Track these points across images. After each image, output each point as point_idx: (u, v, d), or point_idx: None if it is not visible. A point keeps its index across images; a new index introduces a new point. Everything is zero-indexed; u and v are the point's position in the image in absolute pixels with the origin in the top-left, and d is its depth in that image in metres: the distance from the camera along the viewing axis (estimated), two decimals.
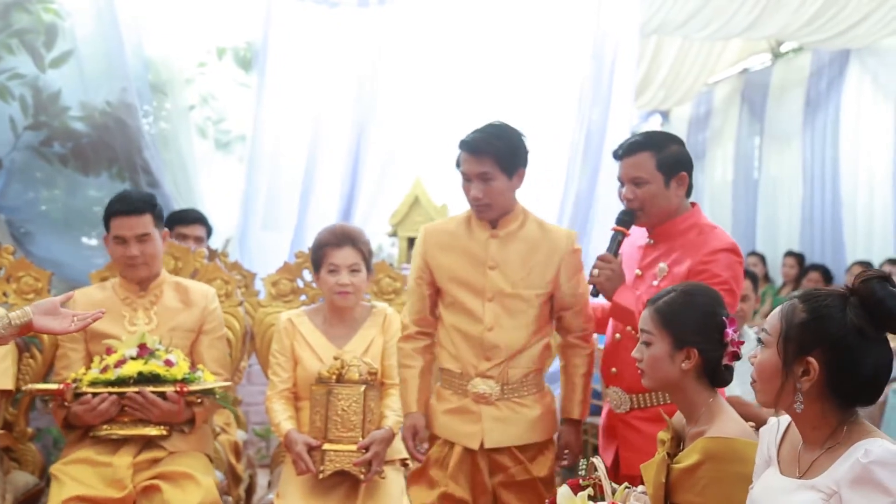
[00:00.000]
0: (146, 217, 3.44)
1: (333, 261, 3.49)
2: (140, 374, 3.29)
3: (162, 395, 3.27)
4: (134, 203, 3.49)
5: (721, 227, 3.04)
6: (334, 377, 3.34)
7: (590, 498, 2.45)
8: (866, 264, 7.36)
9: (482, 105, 4.99)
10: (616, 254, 2.99)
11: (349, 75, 4.97)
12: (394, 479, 3.46)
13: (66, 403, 3.39)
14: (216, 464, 3.61)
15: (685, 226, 2.97)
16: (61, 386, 3.37)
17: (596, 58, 4.77)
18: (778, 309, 2.01)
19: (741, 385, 3.70)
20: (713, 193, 10.39)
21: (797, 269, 8.24)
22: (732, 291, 2.88)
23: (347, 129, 5.01)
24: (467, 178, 3.10)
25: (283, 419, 3.44)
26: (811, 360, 1.91)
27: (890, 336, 1.95)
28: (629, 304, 2.90)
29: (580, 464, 2.54)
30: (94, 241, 4.91)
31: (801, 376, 1.93)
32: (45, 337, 3.90)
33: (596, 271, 2.97)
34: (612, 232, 3.01)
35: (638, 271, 3.02)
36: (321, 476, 3.29)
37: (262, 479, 4.58)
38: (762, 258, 8.67)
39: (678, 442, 2.47)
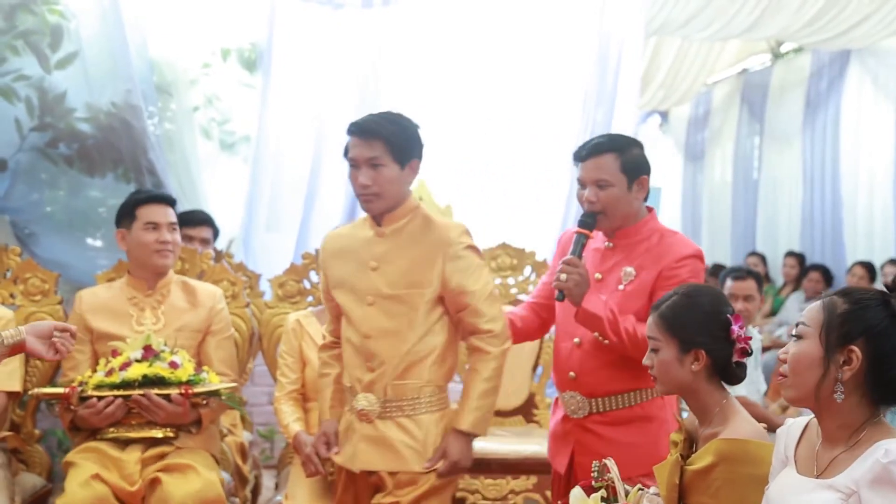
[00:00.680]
0: (173, 210, 3.57)
1: None
2: (145, 376, 3.28)
3: (167, 397, 3.27)
4: (164, 195, 3.66)
5: (681, 233, 3.06)
6: None
7: (602, 500, 2.45)
8: (867, 265, 7.38)
9: (486, 106, 5.01)
10: (580, 257, 2.88)
11: (353, 76, 4.97)
12: None
13: (71, 407, 3.40)
14: (223, 465, 3.61)
15: (646, 230, 2.94)
16: (67, 390, 3.37)
17: (600, 58, 4.78)
18: (816, 303, 2.03)
19: (746, 385, 3.73)
20: (712, 194, 10.42)
21: (798, 270, 8.27)
22: None
23: None
24: (355, 165, 2.88)
25: (292, 420, 3.45)
26: (854, 348, 1.93)
27: None
28: (598, 311, 2.82)
29: (593, 465, 2.54)
30: (98, 243, 4.90)
31: (842, 365, 1.94)
32: None
33: (563, 276, 2.83)
34: (576, 235, 2.90)
35: (598, 275, 2.94)
36: (331, 478, 3.29)
37: (267, 480, 4.59)
38: (763, 258, 8.69)
39: (691, 443, 2.48)
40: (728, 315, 2.38)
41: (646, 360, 2.47)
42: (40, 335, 2.49)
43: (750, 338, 2.43)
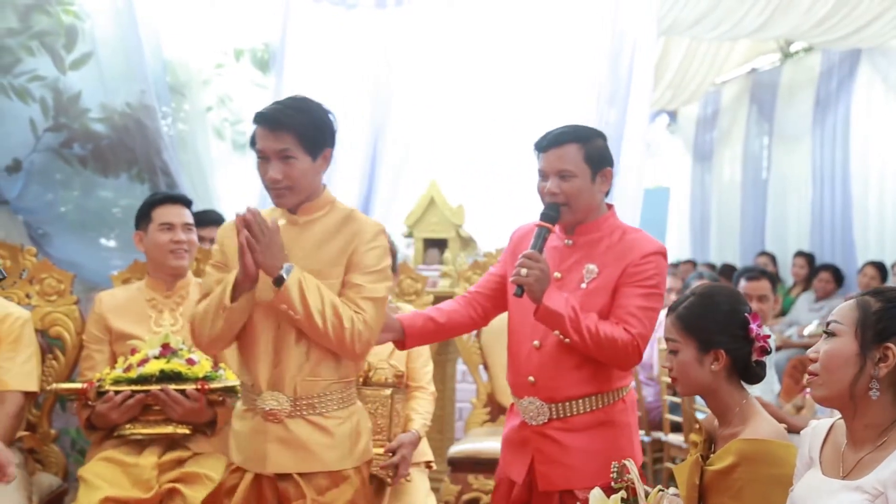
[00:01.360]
0: (188, 210, 3.60)
1: None
2: (162, 371, 3.31)
3: (183, 392, 3.29)
4: (178, 195, 3.73)
5: (643, 230, 2.96)
6: (361, 380, 3.35)
7: (622, 500, 2.45)
8: (878, 265, 7.37)
9: (498, 106, 5.00)
10: (541, 252, 2.75)
11: (365, 76, 4.97)
12: (419, 482, 3.48)
13: (89, 402, 3.43)
14: None
15: (607, 227, 2.85)
16: (85, 385, 3.41)
17: (613, 58, 4.77)
18: (849, 301, 2.06)
19: (760, 385, 3.72)
20: (721, 194, 10.41)
21: (807, 270, 8.26)
22: (661, 295, 2.85)
23: (364, 131, 5.02)
24: (264, 157, 2.68)
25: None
26: (890, 345, 1.94)
27: None
28: (559, 308, 2.69)
29: (612, 466, 2.55)
30: (112, 243, 4.91)
31: (878, 363, 1.95)
32: (68, 338, 3.93)
33: (524, 271, 2.68)
34: (537, 228, 2.77)
35: (558, 274, 2.83)
36: None
37: None
38: (773, 258, 8.68)
39: (710, 444, 2.48)
40: (746, 314, 2.38)
41: (665, 363, 2.47)
42: None
43: (769, 336, 2.44)
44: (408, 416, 3.46)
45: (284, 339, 2.67)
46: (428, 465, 3.61)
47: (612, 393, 2.86)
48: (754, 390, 3.69)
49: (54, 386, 3.61)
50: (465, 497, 4.03)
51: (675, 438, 5.33)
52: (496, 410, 4.26)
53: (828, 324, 2.06)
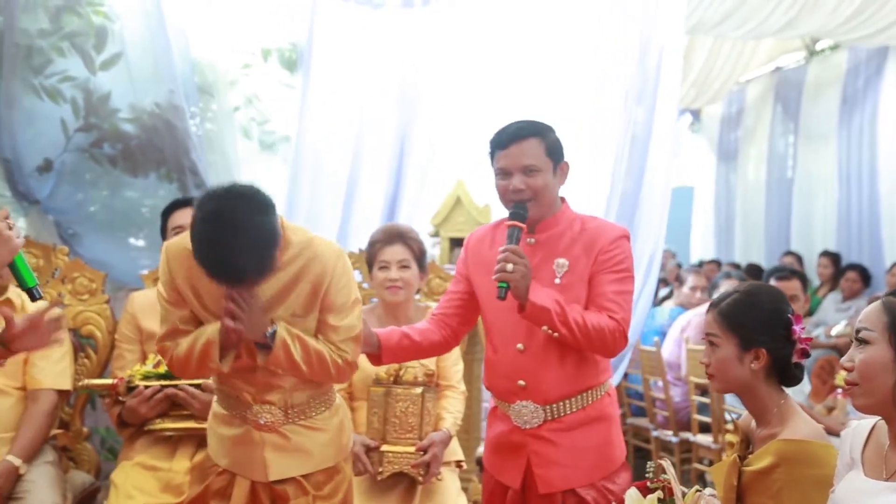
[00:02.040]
0: None
1: (383, 257, 3.55)
2: None
3: (199, 387, 3.38)
4: (188, 199, 3.78)
5: (599, 216, 2.95)
6: (392, 378, 3.36)
7: (659, 500, 2.44)
8: None
9: (525, 106, 4.97)
10: None
11: (393, 76, 4.96)
12: (450, 481, 3.48)
13: (119, 398, 3.49)
14: None
15: (565, 220, 2.83)
16: (115, 380, 3.47)
17: (641, 57, 4.74)
18: (874, 305, 2.03)
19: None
20: (746, 193, 10.35)
21: (832, 269, 8.20)
22: (633, 278, 2.84)
23: (391, 130, 5.01)
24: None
25: (347, 415, 3.47)
26: None
27: None
28: (546, 303, 2.67)
29: (648, 466, 2.53)
30: (140, 243, 4.94)
31: None
32: (100, 336, 3.96)
33: (510, 266, 2.63)
34: (509, 227, 2.72)
35: None
36: (380, 477, 3.31)
37: None
38: (798, 258, 8.63)
39: (747, 444, 2.47)
40: (789, 315, 2.37)
41: (703, 358, 2.46)
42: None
43: (810, 339, 2.42)
44: (438, 415, 3.46)
45: (268, 370, 2.66)
46: (458, 464, 3.61)
47: (600, 387, 2.86)
48: None
49: (85, 382, 3.66)
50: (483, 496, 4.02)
51: (704, 439, 5.32)
52: None
53: (858, 331, 2.03)
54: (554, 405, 2.80)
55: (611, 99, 4.85)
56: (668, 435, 5.67)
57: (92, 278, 4.03)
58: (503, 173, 2.78)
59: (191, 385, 3.37)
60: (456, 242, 5.23)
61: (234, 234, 2.36)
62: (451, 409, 3.49)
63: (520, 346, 2.80)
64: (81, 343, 3.97)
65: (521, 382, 2.80)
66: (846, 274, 7.72)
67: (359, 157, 5.00)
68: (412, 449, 3.31)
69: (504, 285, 2.65)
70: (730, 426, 4.85)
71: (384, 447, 3.32)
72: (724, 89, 9.88)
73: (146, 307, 3.64)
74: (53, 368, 3.61)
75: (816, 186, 9.11)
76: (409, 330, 2.97)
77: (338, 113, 4.93)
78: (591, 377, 2.83)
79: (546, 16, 4.90)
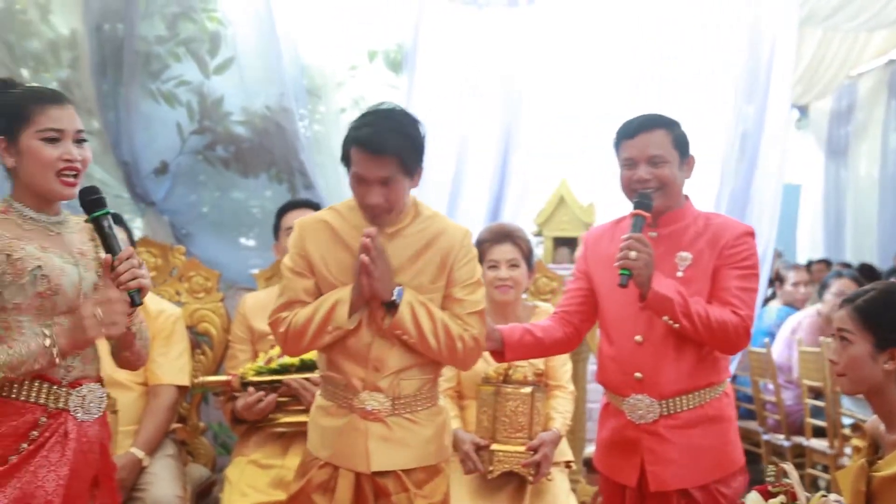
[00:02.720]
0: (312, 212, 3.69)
1: (492, 256, 3.54)
2: (302, 361, 3.47)
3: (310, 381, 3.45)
4: (303, 201, 3.95)
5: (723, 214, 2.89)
6: (501, 377, 3.36)
7: None
8: None
9: (632, 103, 4.91)
10: None
11: (497, 75, 4.97)
12: (560, 482, 3.47)
13: (234, 395, 3.58)
14: None
15: (690, 215, 2.80)
16: (229, 377, 3.56)
17: (752, 51, 4.64)
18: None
19: None
20: (857, 191, 10.02)
21: None
22: (758, 275, 2.79)
23: (495, 130, 5.02)
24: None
25: (450, 417, 3.48)
26: None
27: None
28: (669, 292, 2.63)
29: (768, 470, 2.48)
30: (251, 242, 5.06)
31: None
32: (215, 334, 4.07)
33: (633, 254, 2.59)
34: (633, 217, 2.68)
35: None
36: (490, 476, 3.31)
37: None
38: None
39: (875, 448, 2.39)
40: None
41: (832, 355, 2.39)
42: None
43: None
44: (548, 415, 3.45)
45: (384, 344, 2.66)
46: (568, 464, 3.59)
47: (718, 386, 2.80)
48: None
49: (201, 379, 3.77)
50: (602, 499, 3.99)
51: (819, 444, 5.17)
52: None
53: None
54: (670, 400, 2.75)
55: (719, 95, 4.76)
56: (780, 439, 5.53)
57: (207, 277, 4.15)
58: (629, 163, 2.76)
59: (306, 378, 3.44)
60: (560, 242, 5.22)
61: (390, 114, 2.65)
62: (561, 410, 3.47)
63: (638, 338, 2.77)
64: (198, 340, 4.09)
65: (638, 375, 2.76)
66: None
67: (463, 157, 5.02)
68: (522, 448, 3.30)
69: (626, 273, 2.62)
70: (847, 430, 4.72)
71: (494, 446, 3.32)
72: (833, 84, 9.56)
73: (257, 308, 3.73)
74: (172, 365, 3.73)
75: None
76: (531, 327, 2.97)
77: (442, 113, 4.95)
78: (710, 374, 2.78)
79: (653, 12, 4.83)
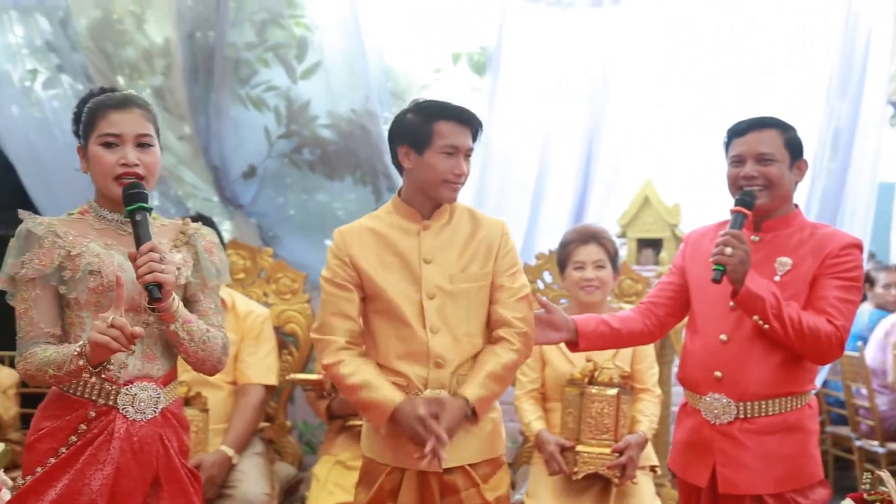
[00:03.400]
0: None
1: (578, 257, 3.54)
2: None
3: None
4: None
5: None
6: (586, 379, 3.35)
7: None
8: None
9: (718, 101, 4.84)
10: None
11: (581, 76, 4.94)
12: (645, 485, 3.43)
13: (325, 393, 3.63)
14: None
15: (796, 223, 2.73)
16: (321, 376, 3.60)
17: (846, 45, 4.50)
18: None
19: None
20: None
21: None
22: (860, 288, 2.69)
23: (579, 131, 4.98)
24: (457, 153, 2.66)
25: (534, 419, 3.49)
26: None
27: None
28: (762, 292, 2.57)
29: (864, 477, 2.41)
30: None
31: None
32: (301, 334, 4.14)
33: (729, 250, 2.54)
34: (734, 214, 2.63)
35: None
36: (575, 478, 3.30)
37: None
38: None
39: None
40: None
41: None
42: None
43: None
44: (634, 418, 3.43)
45: (445, 340, 2.67)
46: (653, 468, 3.55)
47: (802, 396, 2.73)
48: None
49: (292, 376, 3.82)
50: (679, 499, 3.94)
51: None
52: None
53: None
54: (749, 403, 2.69)
55: (811, 93, 4.65)
56: (874, 445, 5.37)
57: (294, 278, 4.22)
58: (736, 160, 2.73)
59: None
60: (644, 243, 5.15)
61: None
62: (647, 413, 3.44)
63: (723, 336, 2.72)
64: (285, 341, 4.17)
65: (718, 374, 2.71)
66: None
67: (546, 159, 5.01)
68: (608, 450, 3.28)
69: (720, 268, 2.58)
70: None
71: (579, 447, 3.31)
72: None
73: None
74: (261, 364, 3.80)
75: None
76: (608, 317, 2.95)
77: (525, 115, 4.95)
78: (795, 383, 2.71)
79: (740, 9, 4.74)
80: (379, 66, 4.80)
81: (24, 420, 4.37)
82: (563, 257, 3.62)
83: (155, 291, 2.19)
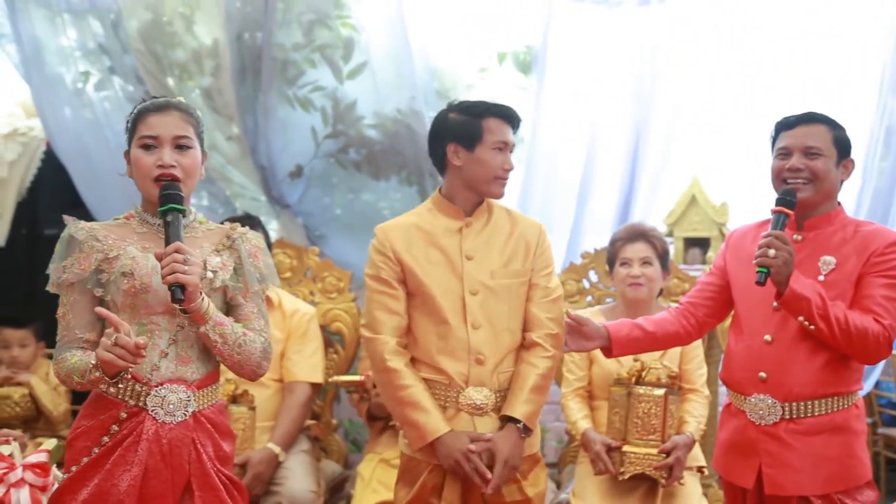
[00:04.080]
0: None
1: (626, 255, 3.55)
2: None
3: None
4: None
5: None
6: (633, 379, 3.33)
7: None
8: None
9: (767, 99, 4.78)
10: None
11: (627, 75, 4.90)
12: (692, 486, 3.41)
13: (366, 395, 3.64)
14: None
15: (839, 221, 2.71)
16: (363, 377, 3.62)
17: None
18: None
19: None
20: None
21: None
22: None
23: (625, 129, 4.95)
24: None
25: (580, 418, 3.48)
26: None
27: None
28: (807, 292, 2.55)
29: None
30: None
31: None
32: (347, 333, 4.16)
33: (772, 252, 2.53)
34: (774, 214, 2.62)
35: None
36: (621, 478, 3.29)
37: None
38: None
39: None
40: None
41: None
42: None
43: None
44: (681, 419, 3.41)
45: (486, 336, 2.73)
46: (700, 469, 3.52)
47: (849, 396, 2.70)
48: None
49: (335, 378, 3.86)
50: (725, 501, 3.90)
51: None
52: None
53: None
54: (794, 404, 2.67)
55: (861, 89, 4.57)
56: None
57: (340, 277, 4.25)
58: (783, 153, 2.72)
59: None
60: (691, 242, 5.10)
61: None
62: (695, 413, 3.42)
63: (767, 337, 2.71)
64: (331, 339, 4.20)
65: (762, 374, 2.70)
66: None
67: (592, 158, 4.98)
68: (655, 451, 3.26)
69: (764, 270, 2.56)
70: None
71: (626, 447, 3.30)
72: None
73: None
74: (307, 362, 3.83)
75: None
76: (642, 321, 2.95)
77: (571, 113, 4.93)
78: (842, 383, 2.69)
79: (789, 5, 4.67)
80: (425, 65, 4.81)
81: (73, 416, 4.46)
82: (611, 255, 3.64)
83: (177, 292, 2.22)
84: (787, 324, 2.67)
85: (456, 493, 2.72)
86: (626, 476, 3.28)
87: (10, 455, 2.51)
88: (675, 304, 3.67)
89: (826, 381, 2.67)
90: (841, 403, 2.68)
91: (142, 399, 2.30)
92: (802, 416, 2.67)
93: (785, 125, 2.76)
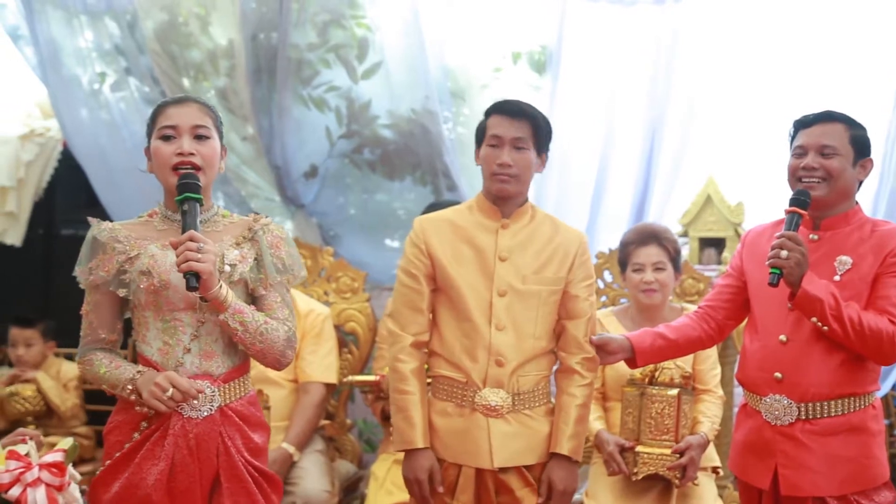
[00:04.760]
0: None
1: (638, 259, 3.51)
2: None
3: None
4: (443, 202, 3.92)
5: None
6: (647, 379, 3.32)
7: None
8: None
9: (781, 99, 4.75)
10: None
11: (642, 75, 4.88)
12: (707, 487, 3.40)
13: (381, 395, 3.65)
14: None
15: (856, 221, 2.70)
16: (378, 377, 3.62)
17: None
18: None
19: None
20: None
21: None
22: None
23: (640, 129, 4.93)
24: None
25: (593, 419, 3.47)
26: None
27: None
28: (820, 293, 2.55)
29: None
30: (396, 244, 5.17)
31: None
32: (361, 333, 4.17)
33: (784, 252, 2.54)
34: (788, 214, 2.62)
35: None
36: (635, 478, 3.28)
37: None
38: None
39: None
40: None
41: None
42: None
43: None
44: (695, 419, 3.40)
45: (509, 339, 2.72)
46: (715, 470, 3.51)
47: (865, 396, 2.69)
48: None
49: (350, 378, 3.87)
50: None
51: None
52: None
53: None
54: (810, 404, 2.67)
55: (879, 91, 4.54)
56: None
57: (354, 277, 4.27)
58: (799, 151, 2.73)
59: None
60: (706, 242, 5.08)
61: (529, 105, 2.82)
62: (709, 414, 3.41)
63: (782, 337, 2.71)
64: (345, 339, 4.21)
65: (778, 375, 2.70)
66: None
67: (607, 157, 4.96)
68: (668, 451, 3.26)
69: (777, 271, 2.57)
70: None
71: (639, 448, 3.29)
72: None
73: None
74: (321, 363, 3.85)
75: None
76: (663, 329, 2.94)
77: (586, 113, 4.91)
78: (858, 384, 2.68)
79: (808, 7, 4.64)
80: (439, 65, 4.81)
81: (88, 415, 4.49)
82: (622, 258, 3.60)
83: (191, 280, 2.24)
84: (802, 324, 2.66)
85: (469, 492, 2.73)
86: (640, 476, 3.27)
87: (27, 454, 2.53)
88: (690, 305, 3.68)
89: (842, 382, 2.66)
90: (857, 404, 2.68)
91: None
92: (818, 416, 2.67)
93: (803, 123, 2.76)
